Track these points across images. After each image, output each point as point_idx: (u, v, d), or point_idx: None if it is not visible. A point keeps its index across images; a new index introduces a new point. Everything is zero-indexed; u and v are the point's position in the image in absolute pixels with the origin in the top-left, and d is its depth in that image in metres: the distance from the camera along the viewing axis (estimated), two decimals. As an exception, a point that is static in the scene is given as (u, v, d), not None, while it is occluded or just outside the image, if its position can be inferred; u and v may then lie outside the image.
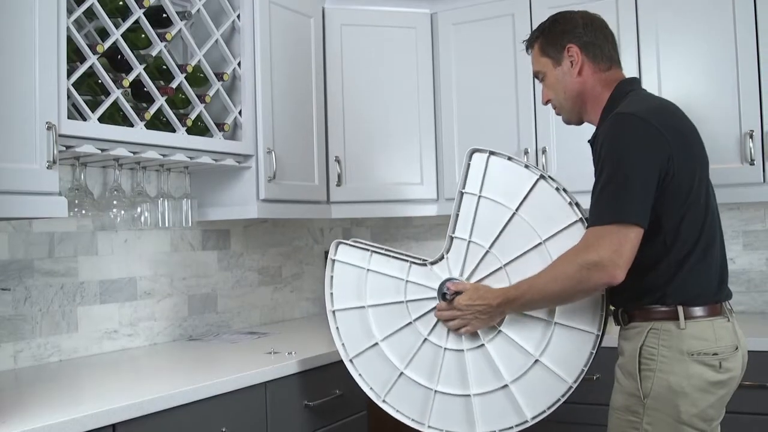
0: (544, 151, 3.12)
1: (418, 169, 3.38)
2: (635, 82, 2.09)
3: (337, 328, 2.32)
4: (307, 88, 3.14)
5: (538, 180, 2.10)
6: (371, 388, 2.26)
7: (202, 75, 2.67)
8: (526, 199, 2.11)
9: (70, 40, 2.17)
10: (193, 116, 2.58)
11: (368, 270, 2.27)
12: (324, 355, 2.54)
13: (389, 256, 2.26)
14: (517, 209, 2.11)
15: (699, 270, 1.89)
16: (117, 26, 2.34)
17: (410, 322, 2.22)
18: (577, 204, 2.08)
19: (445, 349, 2.19)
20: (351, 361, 2.28)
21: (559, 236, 2.06)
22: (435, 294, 2.18)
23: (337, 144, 3.28)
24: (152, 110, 2.43)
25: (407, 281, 2.22)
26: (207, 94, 2.65)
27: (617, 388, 1.96)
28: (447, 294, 2.14)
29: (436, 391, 2.20)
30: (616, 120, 1.88)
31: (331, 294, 2.32)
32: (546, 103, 2.17)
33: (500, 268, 2.13)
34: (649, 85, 2.96)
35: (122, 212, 2.59)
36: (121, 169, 2.58)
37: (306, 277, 3.66)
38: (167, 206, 2.71)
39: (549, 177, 2.12)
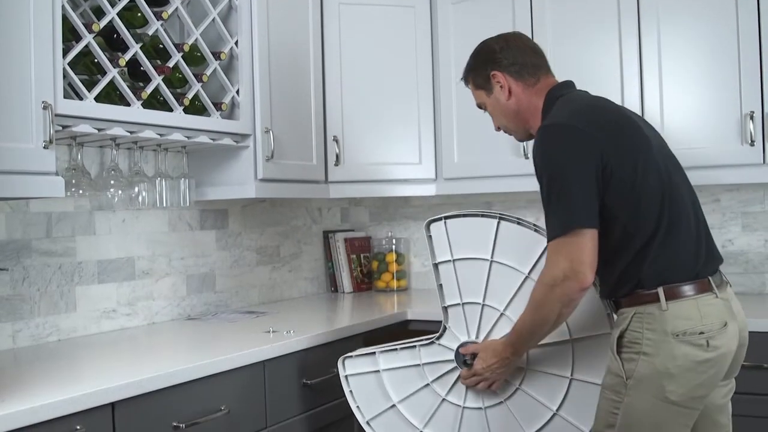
0: (542, 131, 3.11)
1: (416, 149, 3.37)
2: (564, 86, 2.11)
3: (351, 391, 2.38)
4: (305, 67, 3.13)
5: (498, 222, 2.17)
6: None
7: (199, 54, 2.66)
8: (496, 245, 2.17)
9: (65, 19, 2.16)
10: (190, 95, 2.57)
11: (381, 371, 2.33)
12: (322, 334, 2.55)
13: (396, 349, 2.32)
14: (492, 258, 2.18)
15: (669, 249, 1.89)
16: (113, 5, 2.33)
17: (427, 384, 2.28)
18: (541, 228, 2.09)
19: (463, 408, 2.25)
20: (368, 423, 2.35)
21: (540, 263, 2.09)
22: (452, 357, 2.24)
23: (335, 123, 3.27)
24: (149, 89, 2.42)
25: (422, 365, 2.28)
26: (204, 74, 2.64)
27: (607, 369, 1.97)
28: (467, 360, 2.20)
29: None
30: (540, 134, 1.94)
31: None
32: (498, 129, 2.25)
33: (501, 315, 2.18)
34: (649, 66, 2.95)
35: (120, 192, 2.59)
36: (118, 148, 2.58)
37: (304, 256, 3.66)
38: (165, 186, 2.70)
39: (506, 215, 2.17)
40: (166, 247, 2.90)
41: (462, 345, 2.23)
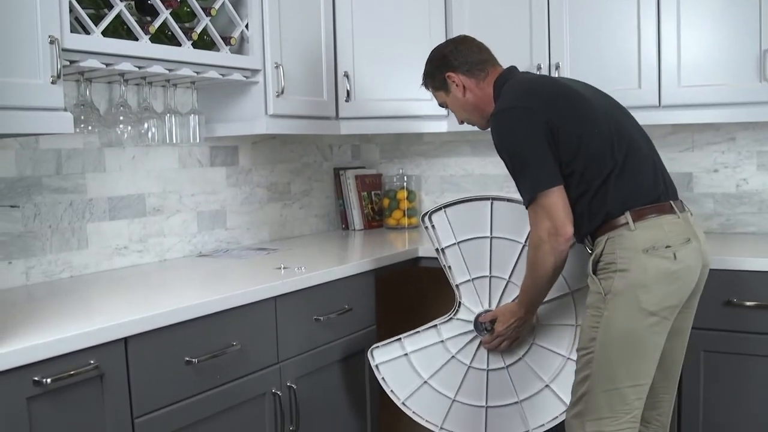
0: (557, 67, 3.06)
1: (428, 85, 3.32)
2: (507, 72, 2.36)
3: (383, 378, 2.59)
4: (316, 1, 3.07)
5: (492, 203, 2.45)
6: (426, 419, 2.55)
7: (207, -13, 2.61)
8: (493, 222, 2.45)
9: (70, -49, 2.11)
10: (198, 30, 2.53)
11: (409, 353, 2.55)
12: (333, 270, 2.56)
13: (418, 332, 2.54)
14: (491, 234, 2.45)
15: (628, 180, 2.12)
16: (118, -64, 2.28)
17: (453, 356, 2.53)
18: None
19: (488, 370, 2.51)
20: (404, 403, 2.57)
21: None
22: (471, 329, 2.50)
23: (346, 59, 3.22)
24: (157, 23, 2.38)
25: (445, 341, 2.52)
26: (212, 7, 2.59)
27: (588, 292, 2.18)
28: (487, 327, 2.45)
29: (487, 407, 2.52)
30: (492, 121, 2.22)
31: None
32: (461, 123, 2.51)
33: (507, 282, 2.45)
34: (667, 2, 2.88)
35: (129, 128, 2.57)
36: (126, 84, 2.55)
37: (315, 193, 3.66)
38: (174, 122, 2.68)
39: (498, 196, 2.45)
40: (176, 184, 2.89)
41: (479, 315, 2.48)
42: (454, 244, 2.52)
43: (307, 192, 3.60)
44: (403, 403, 2.57)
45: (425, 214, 2.55)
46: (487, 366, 2.51)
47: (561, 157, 2.12)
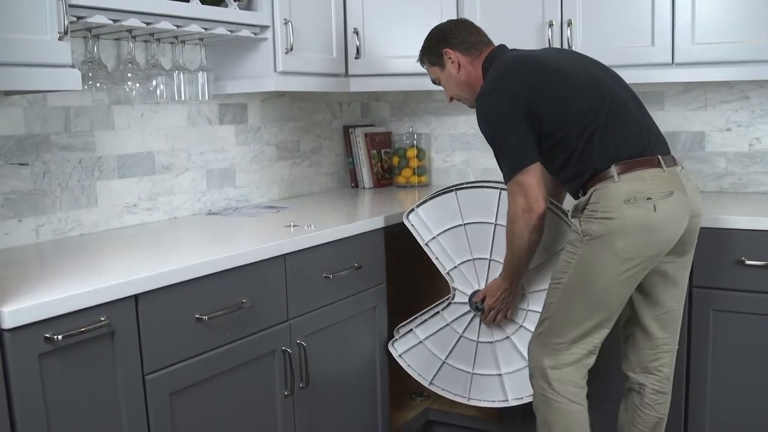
0: (569, 24, 3.02)
1: (438, 42, 3.29)
2: (497, 51, 2.48)
3: (408, 365, 2.83)
4: (324, -45, 3.04)
5: (456, 192, 2.64)
6: (456, 394, 2.78)
7: (214, -59, 2.57)
8: (462, 210, 2.63)
9: None
10: (206, -15, 2.50)
11: (423, 340, 2.78)
12: (343, 228, 2.55)
13: (426, 320, 2.77)
14: (463, 221, 2.63)
15: (614, 135, 2.23)
16: None
17: (460, 336, 2.72)
18: (487, 182, 2.62)
19: (494, 342, 2.69)
20: (431, 383, 2.81)
21: (501, 209, 2.54)
22: (468, 309, 2.69)
23: (355, 15, 3.19)
24: (164, -21, 2.35)
25: (450, 323, 2.73)
26: (220, -38, 2.56)
27: (570, 230, 2.33)
28: (479, 305, 2.63)
29: (501, 374, 2.70)
30: (477, 104, 2.35)
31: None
32: (450, 100, 2.65)
33: (489, 261, 2.61)
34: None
35: (137, 85, 2.55)
36: (134, 41, 2.53)
37: (324, 151, 3.64)
38: (183, 79, 2.66)
39: (460, 185, 2.63)
40: (185, 142, 2.89)
41: (472, 295, 2.66)
42: (434, 237, 2.71)
43: (316, 150, 3.59)
44: (430, 383, 2.81)
45: (405, 216, 2.74)
46: (493, 338, 2.68)
47: (544, 129, 2.26)
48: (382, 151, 3.83)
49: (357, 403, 2.74)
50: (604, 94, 2.28)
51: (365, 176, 3.75)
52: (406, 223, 2.74)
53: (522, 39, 3.11)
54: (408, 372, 2.83)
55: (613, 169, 2.20)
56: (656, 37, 2.89)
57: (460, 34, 2.52)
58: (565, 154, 2.28)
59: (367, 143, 3.75)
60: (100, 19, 2.18)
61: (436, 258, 2.71)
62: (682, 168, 2.30)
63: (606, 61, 3.00)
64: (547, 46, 3.07)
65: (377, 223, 2.73)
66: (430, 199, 2.69)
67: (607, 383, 2.62)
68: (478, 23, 3.20)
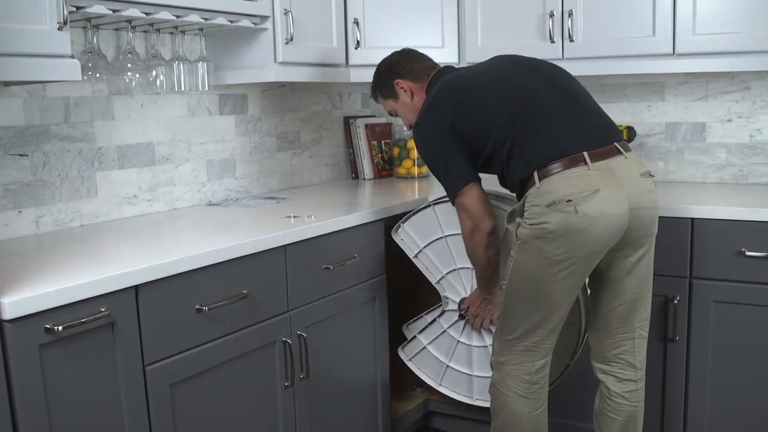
0: (570, 14, 3.01)
1: (439, 32, 3.28)
2: (435, 77, 2.55)
3: (419, 368, 2.92)
4: (325, -55, 3.02)
5: (434, 207, 2.72)
6: (460, 394, 2.85)
7: (214, -69, 2.56)
8: (441, 223, 2.70)
9: None
10: (206, -25, 2.49)
11: (426, 346, 2.87)
12: (343, 219, 2.55)
13: (425, 328, 2.85)
14: (444, 234, 2.71)
15: (530, 142, 2.23)
16: None
17: (458, 341, 2.80)
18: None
19: (489, 345, 2.70)
20: (440, 384, 2.89)
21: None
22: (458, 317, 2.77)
23: (355, 5, 3.18)
24: (164, -31, 2.34)
25: (446, 330, 2.81)
26: (220, -48, 2.55)
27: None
28: (464, 313, 2.73)
29: (474, 376, 2.80)
30: (412, 132, 2.47)
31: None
32: (409, 127, 2.66)
33: (472, 269, 2.61)
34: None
35: (137, 76, 2.55)
36: (134, 31, 2.52)
37: (325, 142, 3.64)
38: (183, 70, 2.66)
39: (437, 200, 2.69)
40: (185, 133, 2.88)
41: (460, 303, 2.74)
42: (421, 250, 2.77)
43: (316, 141, 3.58)
44: (439, 385, 2.88)
45: (393, 232, 2.81)
46: (485, 342, 2.73)
47: (473, 147, 2.33)
48: (383, 141, 3.83)
49: (357, 394, 2.74)
50: (524, 101, 2.28)
51: (366, 167, 3.75)
52: (395, 238, 2.80)
53: (523, 30, 3.12)
54: (419, 375, 2.90)
55: (535, 175, 2.20)
56: (657, 28, 2.88)
57: (407, 63, 2.62)
58: (498, 168, 2.34)
59: (367, 134, 3.75)
60: (99, 9, 2.17)
61: (426, 269, 2.78)
62: (627, 157, 2.24)
63: (607, 51, 3.02)
64: (548, 37, 3.06)
65: (377, 214, 2.73)
66: (413, 214, 2.75)
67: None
68: (478, 13, 3.23)
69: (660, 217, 2.64)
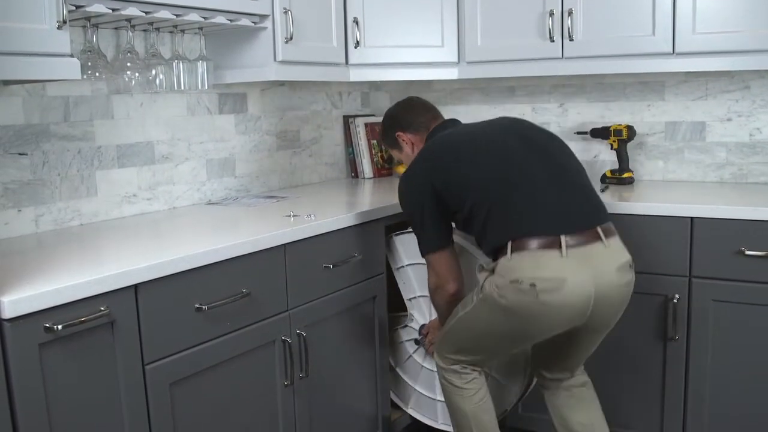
0: (570, 13, 3.01)
1: (438, 31, 3.28)
2: (435, 130, 2.59)
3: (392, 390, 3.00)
4: (324, -56, 3.02)
5: (395, 238, 2.84)
6: (429, 419, 2.93)
7: (214, -70, 2.56)
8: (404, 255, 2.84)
9: None
10: (205, -26, 2.49)
11: (395, 368, 2.99)
12: (343, 218, 2.55)
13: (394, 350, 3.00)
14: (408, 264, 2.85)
15: (509, 211, 2.22)
16: None
17: (422, 366, 2.92)
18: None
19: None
20: (411, 409, 3.00)
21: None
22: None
23: (355, 4, 3.17)
24: (163, -32, 2.34)
25: (412, 355, 2.93)
26: (220, -49, 2.55)
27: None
28: (421, 339, 2.86)
29: (438, 401, 2.88)
30: (399, 186, 2.49)
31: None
32: None
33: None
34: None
35: (136, 75, 2.55)
36: (133, 30, 2.52)
37: (324, 141, 3.64)
38: (182, 69, 2.66)
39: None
40: (185, 132, 2.88)
41: (421, 327, 2.85)
42: (403, 266, 2.86)
43: (316, 140, 3.58)
44: (410, 408, 2.98)
45: (390, 238, 2.86)
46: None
47: (451, 208, 2.35)
48: (382, 140, 3.82)
49: (357, 392, 2.74)
50: (509, 171, 2.27)
51: (365, 166, 3.75)
52: (395, 240, 2.86)
53: (522, 29, 3.12)
54: (391, 397, 2.99)
55: (509, 246, 2.17)
56: (657, 27, 2.88)
57: (408, 116, 2.67)
58: (474, 231, 2.33)
59: (367, 133, 3.74)
60: (99, 8, 2.17)
61: (403, 284, 2.87)
62: (606, 246, 2.18)
63: (607, 50, 3.02)
64: (548, 36, 3.06)
65: (377, 213, 2.73)
66: (405, 232, 2.80)
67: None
68: (478, 13, 3.23)
69: (660, 216, 2.66)
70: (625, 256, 2.23)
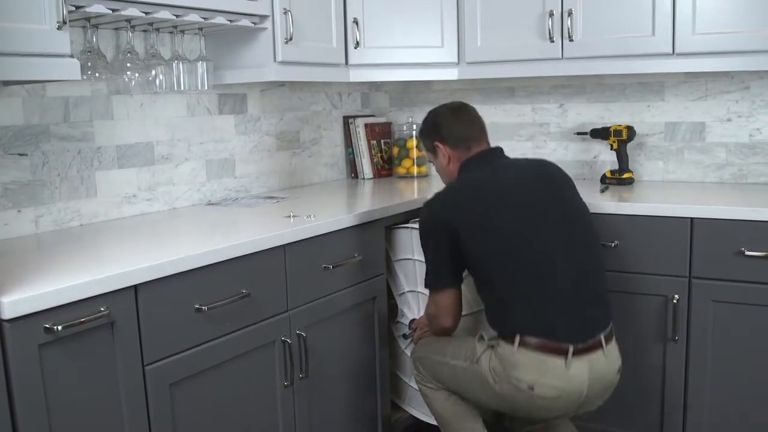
0: (569, 14, 3.01)
1: (438, 32, 3.28)
2: (472, 161, 2.45)
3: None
4: (324, -55, 3.02)
5: (411, 231, 2.79)
6: (422, 413, 2.93)
7: (213, -70, 2.56)
8: (414, 248, 2.79)
9: None
10: (205, -25, 2.49)
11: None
12: (343, 219, 2.55)
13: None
14: (414, 257, 2.82)
15: (528, 306, 2.19)
16: None
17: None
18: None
19: None
20: (406, 404, 3.01)
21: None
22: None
23: (355, 5, 3.17)
24: (163, -32, 2.34)
25: (404, 351, 2.97)
26: (219, -49, 2.55)
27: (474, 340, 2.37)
28: (409, 333, 2.85)
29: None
30: (420, 211, 2.43)
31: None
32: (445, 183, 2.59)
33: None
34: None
35: (136, 75, 2.55)
36: (133, 31, 2.52)
37: (324, 142, 3.64)
38: (182, 69, 2.66)
39: (414, 226, 2.75)
40: (184, 132, 2.88)
41: (411, 322, 2.85)
42: (393, 262, 2.88)
43: (316, 140, 3.58)
44: (406, 405, 3.00)
45: (388, 229, 2.86)
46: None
47: (467, 260, 2.31)
48: (382, 141, 3.82)
49: (356, 394, 2.74)
50: (535, 255, 2.21)
51: (365, 167, 3.75)
52: (402, 229, 2.85)
53: (522, 29, 3.12)
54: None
55: (516, 339, 2.17)
56: (657, 27, 2.88)
57: (452, 127, 2.50)
58: (487, 295, 2.32)
59: (367, 133, 3.74)
60: (98, 8, 2.17)
61: (392, 280, 2.90)
62: (605, 355, 2.20)
63: (606, 51, 3.02)
64: (548, 37, 3.06)
65: (377, 213, 2.73)
66: (395, 228, 2.85)
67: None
68: (478, 13, 3.22)
69: (660, 216, 2.66)
70: (618, 361, 2.27)
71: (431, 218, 2.36)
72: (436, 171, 2.60)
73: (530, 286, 2.20)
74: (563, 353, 2.13)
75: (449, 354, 2.40)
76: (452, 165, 2.49)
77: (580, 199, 2.41)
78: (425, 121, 2.60)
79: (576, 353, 2.14)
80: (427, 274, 2.40)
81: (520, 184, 2.34)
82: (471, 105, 2.57)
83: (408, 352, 2.91)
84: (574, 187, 2.43)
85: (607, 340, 2.22)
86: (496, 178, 2.36)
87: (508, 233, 2.24)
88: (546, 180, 2.38)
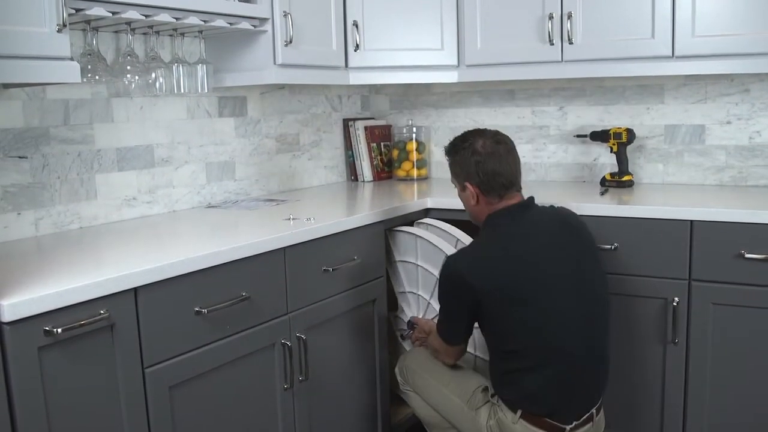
0: (569, 16, 3.01)
1: (438, 35, 3.28)
2: (503, 214, 2.31)
3: None
4: (324, -53, 3.03)
5: (416, 239, 2.79)
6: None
7: (213, -67, 2.56)
8: (418, 253, 2.80)
9: None
10: (205, -23, 2.49)
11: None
12: (342, 221, 2.55)
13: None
14: (417, 262, 2.81)
15: (535, 383, 2.20)
16: None
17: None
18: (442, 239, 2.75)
19: None
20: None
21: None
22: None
23: (355, 7, 3.18)
24: (163, -29, 2.35)
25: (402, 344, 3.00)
26: (219, -46, 2.55)
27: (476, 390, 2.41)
28: (407, 333, 2.87)
29: None
30: (442, 266, 2.33)
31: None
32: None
33: (428, 303, 2.79)
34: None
35: (136, 78, 2.55)
36: (133, 33, 2.52)
37: (324, 144, 3.64)
38: (182, 72, 2.66)
39: (421, 236, 2.75)
40: (184, 135, 2.88)
41: (410, 319, 2.85)
42: (396, 261, 2.87)
43: (316, 143, 3.58)
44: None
45: (389, 231, 2.87)
46: None
47: (486, 323, 2.29)
48: (382, 144, 3.83)
49: (357, 396, 2.74)
50: (534, 340, 2.20)
51: (365, 169, 3.75)
52: (387, 237, 2.85)
53: (522, 32, 3.12)
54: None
55: (518, 413, 2.22)
56: (656, 30, 2.88)
57: (487, 170, 2.29)
58: (495, 356, 2.32)
59: (366, 136, 3.75)
60: (98, 11, 2.17)
61: (395, 276, 2.91)
62: (595, 426, 2.29)
63: (606, 54, 3.03)
64: (548, 39, 3.06)
65: (377, 216, 2.73)
66: (401, 231, 2.84)
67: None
68: (477, 16, 3.23)
69: (660, 219, 2.66)
70: (602, 427, 2.36)
71: (455, 279, 2.24)
72: (458, 197, 2.48)
73: (543, 362, 2.20)
74: (560, 431, 2.22)
75: (448, 384, 2.45)
76: (480, 207, 2.35)
77: (600, 262, 2.39)
78: (458, 148, 2.38)
79: (571, 430, 2.23)
80: (440, 322, 2.40)
81: (547, 249, 2.26)
82: (508, 138, 2.39)
83: (407, 346, 2.92)
84: (596, 249, 2.41)
85: (598, 411, 2.30)
86: (525, 246, 2.25)
87: (530, 309, 2.19)
88: (574, 248, 2.31)
